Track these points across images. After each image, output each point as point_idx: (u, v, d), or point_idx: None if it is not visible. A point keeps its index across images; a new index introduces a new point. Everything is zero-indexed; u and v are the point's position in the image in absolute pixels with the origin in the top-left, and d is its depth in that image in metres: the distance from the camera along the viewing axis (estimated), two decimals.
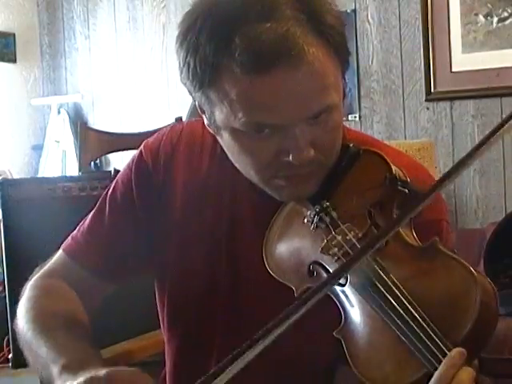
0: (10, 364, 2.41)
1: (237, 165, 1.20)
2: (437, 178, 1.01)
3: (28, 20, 4.67)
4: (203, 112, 1.18)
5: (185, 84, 1.16)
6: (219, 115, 1.13)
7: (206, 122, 1.20)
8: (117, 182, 1.36)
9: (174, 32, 1.15)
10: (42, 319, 1.25)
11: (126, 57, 4.46)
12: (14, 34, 4.56)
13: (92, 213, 1.38)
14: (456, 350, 0.94)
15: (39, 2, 4.70)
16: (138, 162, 1.34)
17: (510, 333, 2.62)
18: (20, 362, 2.41)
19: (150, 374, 1.26)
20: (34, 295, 1.32)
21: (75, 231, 1.39)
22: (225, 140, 1.16)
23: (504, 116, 3.49)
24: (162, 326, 1.38)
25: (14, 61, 4.56)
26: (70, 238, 1.39)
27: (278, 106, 1.08)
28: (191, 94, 1.17)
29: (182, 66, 1.13)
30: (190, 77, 1.12)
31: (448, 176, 0.97)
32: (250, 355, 0.89)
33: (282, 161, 1.12)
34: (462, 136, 3.58)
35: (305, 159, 1.11)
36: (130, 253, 1.34)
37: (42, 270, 1.38)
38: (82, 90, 4.58)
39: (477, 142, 0.94)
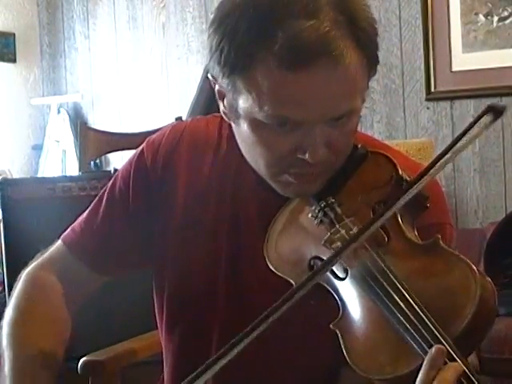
0: None
1: (247, 155, 1.20)
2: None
3: (28, 20, 4.66)
4: (222, 98, 1.18)
5: (212, 68, 1.15)
6: (243, 104, 1.12)
7: (221, 108, 1.20)
8: (117, 176, 1.37)
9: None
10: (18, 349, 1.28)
11: (126, 56, 4.45)
12: (14, 34, 4.56)
13: (92, 204, 1.39)
14: (435, 348, 0.94)
15: (39, 1, 4.70)
16: (138, 158, 1.34)
17: (510, 333, 2.62)
18: None
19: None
20: (20, 297, 1.40)
21: (75, 222, 1.41)
22: (242, 129, 1.16)
23: (504, 116, 3.49)
24: (159, 327, 1.38)
25: (14, 61, 4.56)
26: (70, 228, 1.41)
27: (307, 103, 1.08)
28: (215, 80, 1.16)
29: (214, 50, 1.12)
30: (222, 62, 1.11)
31: (433, 164, 1.01)
32: (247, 341, 0.93)
33: (296, 158, 1.13)
34: None
35: (319, 159, 1.12)
36: (123, 248, 1.34)
37: (40, 259, 1.41)
38: (81, 90, 4.57)
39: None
